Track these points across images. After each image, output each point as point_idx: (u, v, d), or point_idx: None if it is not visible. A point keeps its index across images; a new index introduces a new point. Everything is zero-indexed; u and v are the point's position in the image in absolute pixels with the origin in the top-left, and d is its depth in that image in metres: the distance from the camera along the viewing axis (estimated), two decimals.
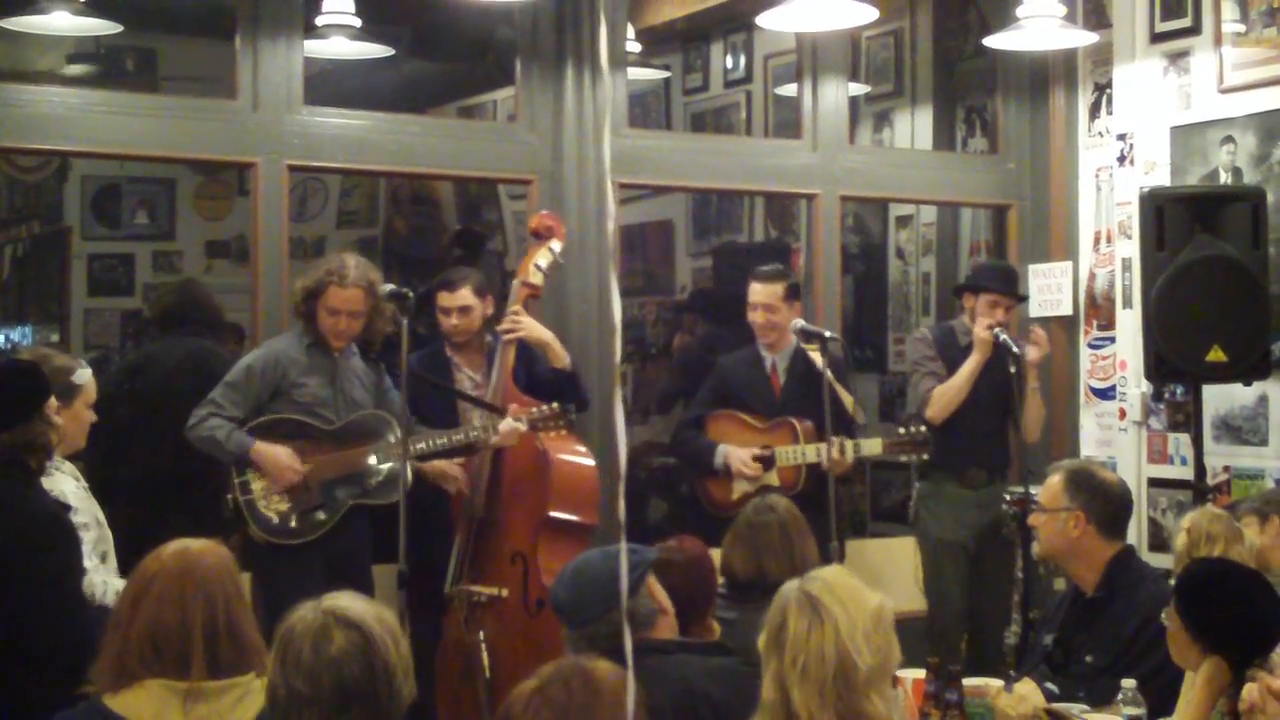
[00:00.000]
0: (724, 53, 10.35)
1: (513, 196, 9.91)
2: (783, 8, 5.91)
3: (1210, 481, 6.59)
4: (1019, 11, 6.61)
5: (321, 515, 5.70)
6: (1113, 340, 7.40)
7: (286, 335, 5.89)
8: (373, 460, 5.74)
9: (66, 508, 4.45)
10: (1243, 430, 6.80)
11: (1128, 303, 7.26)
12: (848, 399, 6.62)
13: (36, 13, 7.05)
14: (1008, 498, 6.64)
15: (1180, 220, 6.32)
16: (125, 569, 4.33)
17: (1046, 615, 4.98)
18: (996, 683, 4.30)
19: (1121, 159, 7.35)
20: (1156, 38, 7.16)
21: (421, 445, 5.71)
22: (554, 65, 6.76)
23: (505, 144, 6.87)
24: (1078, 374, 7.59)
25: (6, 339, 10.78)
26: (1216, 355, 6.24)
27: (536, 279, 6.14)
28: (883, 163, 8.08)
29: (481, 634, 5.85)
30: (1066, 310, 7.59)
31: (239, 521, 5.63)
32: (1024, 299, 7.16)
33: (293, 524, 5.66)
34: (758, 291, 6.64)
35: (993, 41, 6.99)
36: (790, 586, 3.17)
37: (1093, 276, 7.52)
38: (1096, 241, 7.52)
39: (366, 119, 6.61)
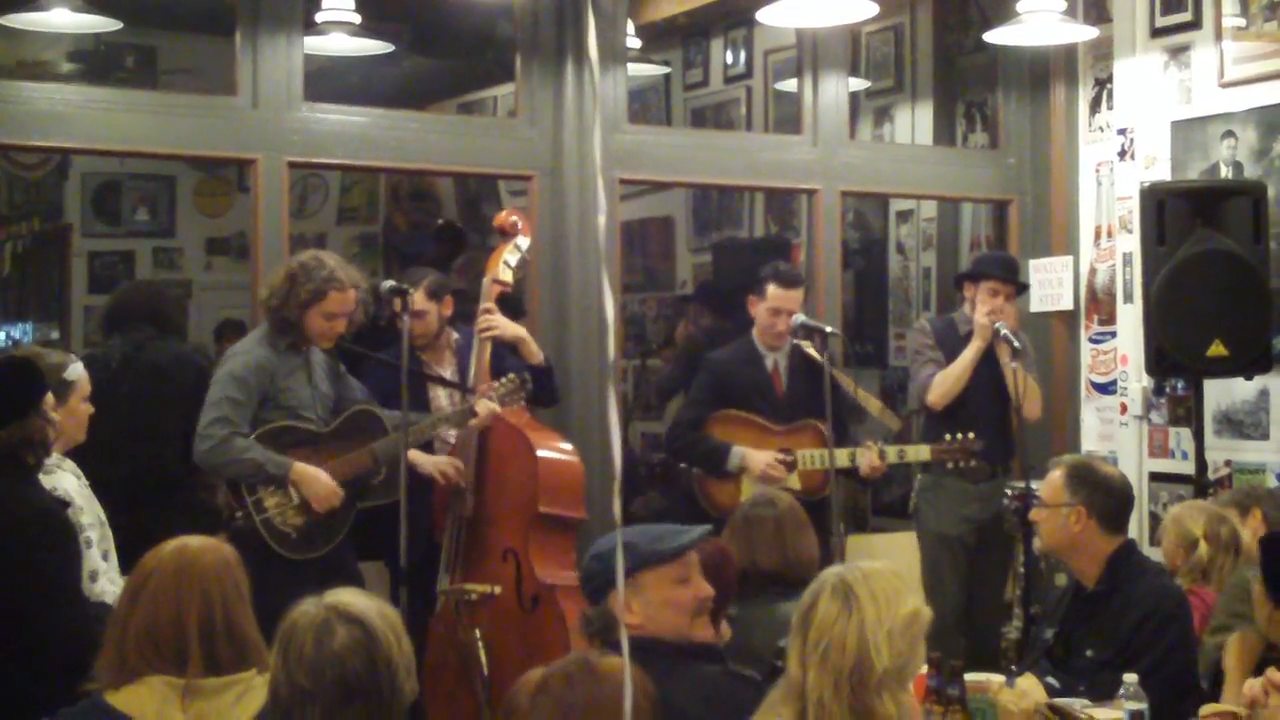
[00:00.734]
0: (724, 48, 10.35)
1: (513, 192, 9.90)
2: (783, 3, 5.92)
3: (1211, 476, 6.60)
4: (1019, 6, 6.61)
5: (333, 527, 5.67)
6: (1114, 335, 7.40)
7: (257, 339, 5.75)
8: (373, 460, 5.72)
9: (65, 504, 4.45)
10: (1244, 424, 6.80)
11: (1128, 297, 7.26)
12: (874, 404, 6.62)
13: (36, 9, 7.06)
14: (1009, 493, 6.66)
15: (1181, 215, 6.32)
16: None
17: (1048, 610, 4.98)
18: (998, 678, 4.30)
19: (1122, 153, 7.35)
20: (1157, 32, 7.16)
21: (413, 433, 5.70)
22: (554, 61, 6.76)
23: (505, 140, 6.87)
24: (1079, 369, 7.59)
25: (7, 336, 10.80)
26: (1217, 349, 6.24)
27: (506, 276, 6.16)
28: (883, 158, 8.08)
29: (478, 631, 5.85)
30: (1067, 305, 7.59)
31: (253, 538, 5.46)
32: (1025, 287, 7.14)
33: (311, 537, 5.61)
34: (782, 296, 6.50)
35: (993, 36, 6.99)
36: (832, 570, 3.20)
37: (1093, 271, 7.52)
38: (1097, 236, 7.52)
39: (367, 115, 6.62)
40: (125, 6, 7.81)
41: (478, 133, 7.18)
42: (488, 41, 9.25)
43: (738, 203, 10.45)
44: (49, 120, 6.02)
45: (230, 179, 10.56)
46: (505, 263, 6.15)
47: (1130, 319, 7.19)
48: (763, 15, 6.16)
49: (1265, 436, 6.73)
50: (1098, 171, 7.53)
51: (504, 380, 5.94)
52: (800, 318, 6.46)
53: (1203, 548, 5.16)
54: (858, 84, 8.85)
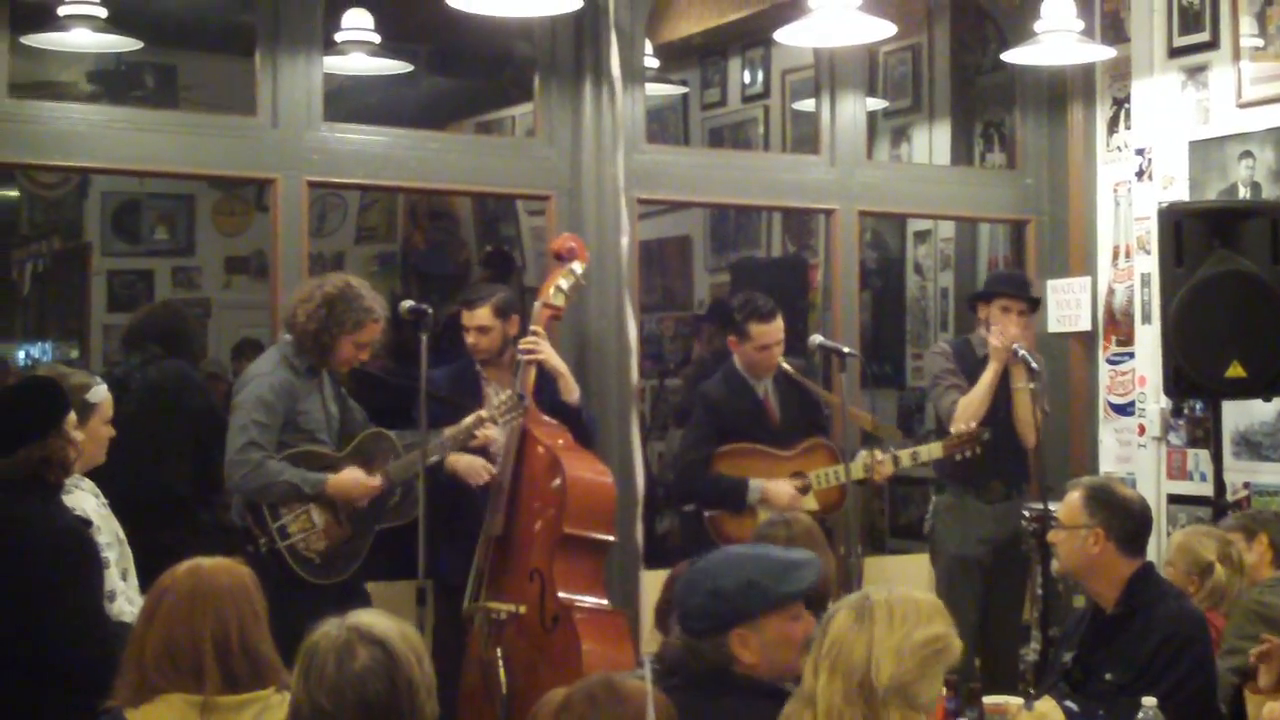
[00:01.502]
0: (742, 68, 10.37)
1: (530, 212, 9.92)
2: (801, 23, 5.93)
3: (1230, 498, 6.58)
4: (1037, 26, 6.61)
5: (356, 550, 5.70)
6: (1132, 356, 7.39)
7: (275, 360, 5.76)
8: (388, 482, 5.74)
9: (87, 523, 4.47)
10: (1262, 446, 6.78)
11: (1146, 318, 7.25)
12: (866, 419, 6.60)
13: (57, 29, 7.08)
14: (1026, 514, 6.64)
15: (1199, 235, 6.31)
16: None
17: (1066, 632, 4.96)
18: (1016, 701, 4.29)
19: (1140, 174, 7.34)
20: (1175, 52, 7.16)
21: (431, 451, 5.73)
22: (572, 81, 6.77)
23: (524, 160, 6.88)
24: (1097, 389, 7.58)
25: (27, 355, 10.82)
26: (1236, 371, 6.22)
27: (558, 300, 6.16)
28: (901, 178, 8.08)
29: (499, 651, 5.86)
30: (1085, 326, 7.58)
31: (276, 563, 5.51)
32: (1037, 303, 7.11)
33: (334, 562, 5.64)
34: (766, 332, 6.49)
35: (1011, 56, 7.00)
36: (864, 590, 3.23)
37: (1111, 292, 7.51)
38: (1115, 256, 7.51)
39: (386, 135, 6.63)
40: (146, 26, 7.83)
41: (496, 152, 7.19)
42: (506, 61, 9.28)
43: (755, 222, 10.45)
44: (69, 140, 6.04)
45: (249, 198, 10.58)
46: (558, 287, 6.15)
47: (1148, 340, 7.17)
48: (781, 35, 6.17)
49: None
50: (1115, 192, 7.53)
51: (503, 398, 5.94)
52: (819, 338, 6.45)
53: (1219, 571, 5.15)
54: (875, 104, 8.86)
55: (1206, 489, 6.68)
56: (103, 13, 6.97)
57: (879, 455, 6.43)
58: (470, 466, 6.03)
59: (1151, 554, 4.88)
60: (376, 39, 7.65)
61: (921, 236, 9.51)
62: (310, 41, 6.38)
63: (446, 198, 10.67)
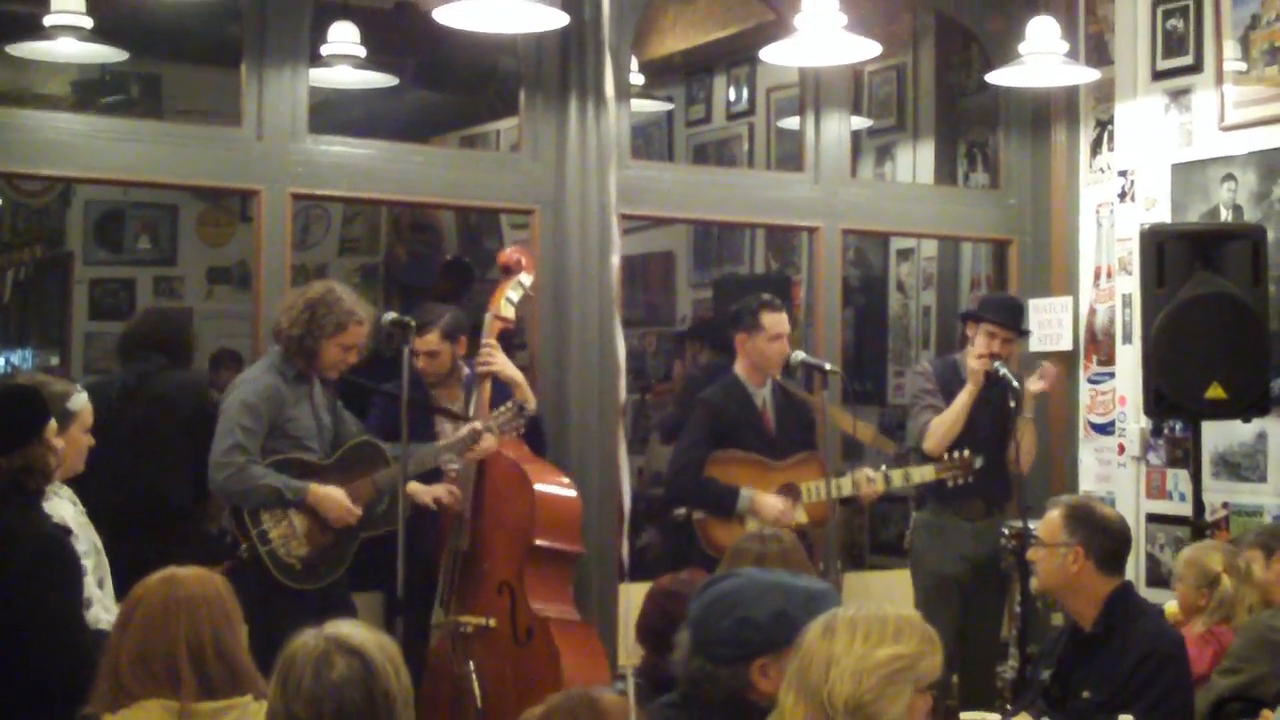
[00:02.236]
0: (727, 85, 10.39)
1: (514, 226, 9.93)
2: (786, 42, 5.95)
3: (1209, 518, 6.60)
4: (1021, 48, 6.64)
5: (337, 557, 5.70)
6: (1112, 376, 7.41)
7: (264, 367, 5.80)
8: (375, 490, 5.75)
9: (67, 531, 4.46)
10: (1241, 467, 6.81)
11: (1127, 338, 7.27)
12: (866, 432, 6.61)
13: (43, 39, 7.08)
14: (1006, 532, 6.65)
15: (1181, 257, 6.33)
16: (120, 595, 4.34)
17: (1044, 650, 4.97)
18: (994, 717, 4.30)
19: (1122, 195, 7.37)
20: (1158, 75, 7.19)
21: (414, 463, 5.72)
22: (558, 96, 6.78)
23: (508, 174, 6.89)
24: (1077, 409, 7.60)
25: (7, 362, 10.81)
26: (1216, 392, 6.25)
27: (508, 312, 6.19)
28: (884, 196, 8.11)
29: (472, 664, 5.85)
30: (1066, 345, 7.60)
31: (258, 569, 5.53)
32: (1025, 333, 7.13)
33: (315, 568, 5.64)
34: (779, 321, 6.52)
35: (995, 77, 7.02)
36: (836, 609, 3.21)
37: (1093, 312, 7.54)
38: (1097, 277, 7.54)
39: (370, 148, 6.63)
40: (131, 37, 7.83)
41: (480, 166, 7.20)
42: (491, 75, 9.29)
43: (739, 239, 10.47)
44: (53, 149, 6.03)
45: (233, 209, 10.57)
46: (508, 299, 6.18)
47: (1129, 360, 7.20)
48: (765, 53, 6.19)
49: (1263, 479, 6.73)
50: (1098, 213, 7.56)
51: (502, 409, 5.96)
52: (801, 355, 6.47)
53: (1225, 582, 5.18)
54: (860, 123, 8.88)
55: (1185, 509, 6.70)
56: (89, 23, 6.96)
57: (870, 474, 6.45)
58: (433, 493, 6.03)
59: (1130, 573, 4.90)
60: (362, 52, 7.65)
61: (904, 255, 9.53)
62: (296, 54, 6.38)
63: (430, 211, 10.68)
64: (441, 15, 5.44)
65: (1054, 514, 4.71)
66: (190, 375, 6.70)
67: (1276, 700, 4.53)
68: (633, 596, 4.31)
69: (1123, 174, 7.37)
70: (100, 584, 4.76)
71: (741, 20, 8.65)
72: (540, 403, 6.45)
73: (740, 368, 6.61)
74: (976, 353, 6.63)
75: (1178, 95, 7.11)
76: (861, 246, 9.66)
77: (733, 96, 10.36)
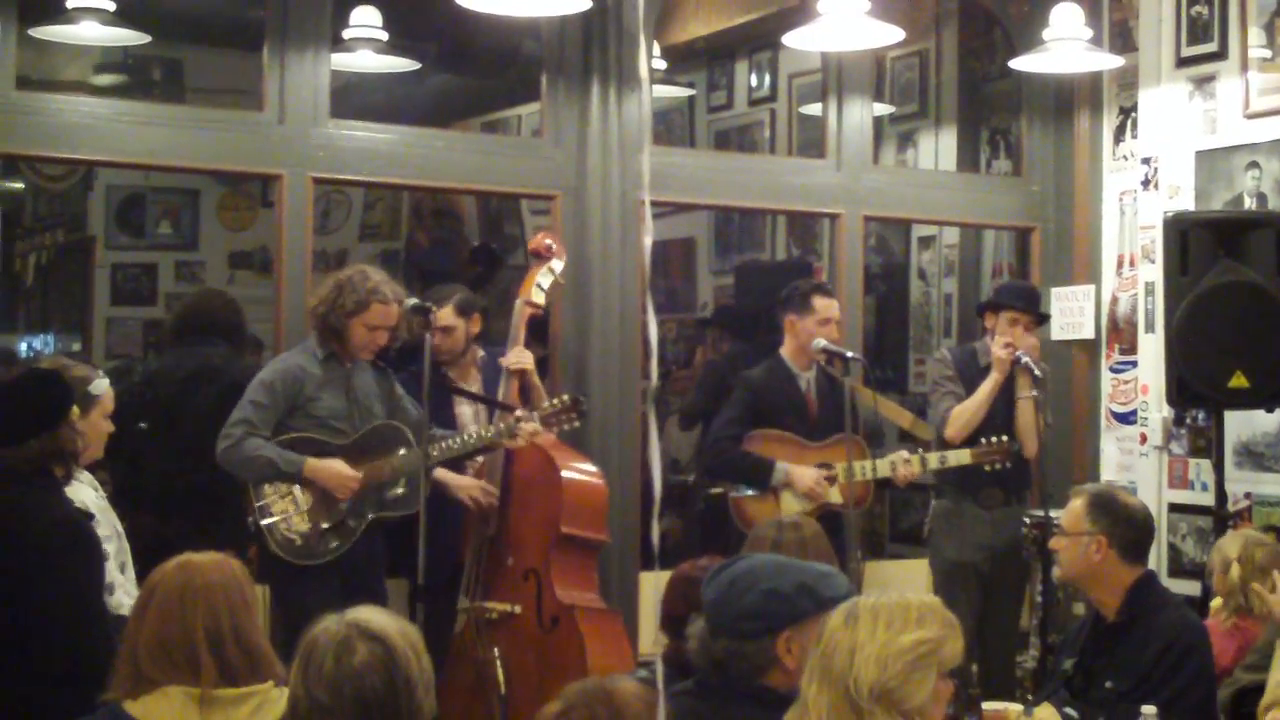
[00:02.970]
0: (749, 71, 10.36)
1: (535, 212, 9.92)
2: (808, 27, 5.93)
3: (1231, 508, 6.57)
4: (1045, 34, 6.61)
5: (341, 534, 5.68)
6: (1134, 364, 7.39)
7: (299, 349, 5.87)
8: (392, 472, 5.75)
9: (90, 516, 4.46)
10: (1264, 457, 6.78)
11: (1150, 327, 7.24)
12: (905, 417, 6.60)
13: (65, 22, 7.08)
14: (1027, 521, 6.64)
15: (1204, 245, 6.30)
16: (142, 580, 4.34)
17: (1066, 640, 4.96)
18: (1016, 707, 4.29)
19: (1146, 183, 7.33)
20: (1182, 62, 7.15)
21: (439, 450, 5.73)
22: (580, 81, 6.77)
23: (530, 159, 6.88)
24: (1099, 398, 7.57)
25: (29, 347, 10.82)
26: (1239, 381, 6.22)
27: (539, 298, 6.19)
28: (906, 183, 8.08)
29: (496, 650, 5.86)
30: (1089, 334, 7.57)
31: (260, 541, 5.59)
32: (1045, 318, 7.12)
33: (315, 545, 5.63)
34: (829, 305, 6.56)
35: (1018, 64, 7.00)
36: (858, 596, 3.25)
37: (1115, 300, 7.51)
38: (1119, 265, 7.51)
39: (392, 133, 6.63)
40: (154, 20, 7.83)
41: (502, 152, 7.19)
42: (513, 60, 9.27)
43: (760, 225, 10.45)
44: (75, 132, 6.04)
45: (254, 194, 10.58)
46: (538, 285, 6.18)
47: (1152, 349, 7.17)
48: (788, 39, 6.17)
49: None
50: (1121, 200, 7.52)
51: (555, 400, 5.94)
52: (822, 342, 6.47)
53: (1235, 570, 5.17)
54: (882, 109, 8.86)
55: (1208, 498, 6.67)
56: (111, 6, 6.97)
57: (906, 456, 6.46)
58: (469, 490, 6.04)
59: (1152, 563, 4.89)
60: (384, 36, 7.65)
61: (926, 242, 9.51)
62: (318, 38, 6.38)
63: (451, 196, 10.67)
64: None
65: (1077, 503, 4.70)
66: (253, 361, 6.72)
67: None
68: (660, 583, 4.31)
69: (1146, 161, 7.33)
70: (122, 569, 4.77)
71: (763, 5, 8.62)
72: (560, 391, 6.45)
73: (787, 350, 6.62)
74: (1002, 341, 6.61)
75: (1202, 82, 7.07)
76: (883, 233, 9.64)
77: (754, 82, 10.33)
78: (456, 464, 6.10)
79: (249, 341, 7.08)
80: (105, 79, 9.63)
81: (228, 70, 9.26)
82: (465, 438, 5.86)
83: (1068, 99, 7.74)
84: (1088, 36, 6.61)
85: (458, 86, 10.15)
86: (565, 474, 5.95)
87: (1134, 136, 7.44)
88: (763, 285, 9.03)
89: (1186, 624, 4.60)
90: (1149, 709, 3.98)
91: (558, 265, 6.24)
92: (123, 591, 4.65)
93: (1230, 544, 5.32)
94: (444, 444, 5.76)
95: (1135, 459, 7.34)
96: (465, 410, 6.27)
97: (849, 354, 6.39)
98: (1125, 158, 7.52)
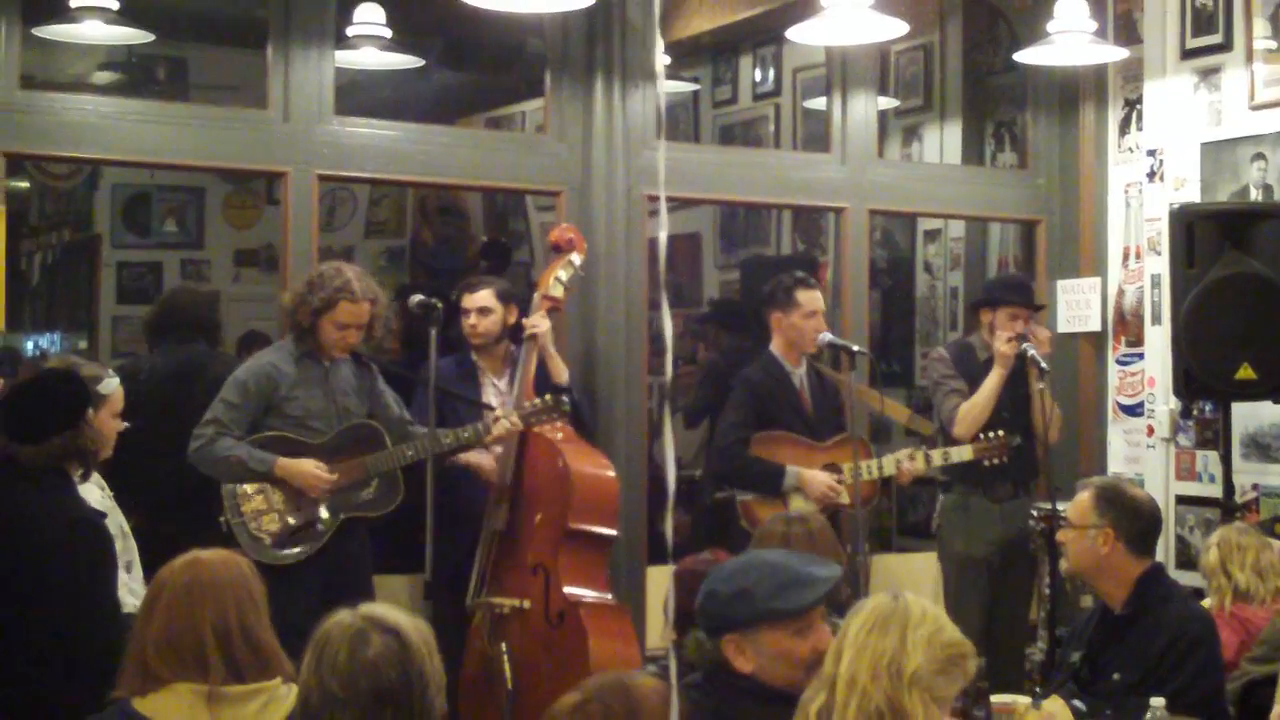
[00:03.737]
0: (753, 66, 10.35)
1: (540, 208, 9.93)
2: (812, 21, 5.92)
3: (1238, 499, 6.57)
4: (1049, 27, 6.60)
5: (310, 537, 5.66)
6: (1141, 357, 7.38)
7: (275, 348, 5.86)
8: (365, 473, 5.74)
9: (102, 515, 4.47)
10: (1271, 448, 6.77)
11: (1157, 319, 7.24)
12: (901, 412, 6.61)
13: (69, 21, 7.07)
14: (1035, 513, 6.64)
15: (1210, 237, 6.29)
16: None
17: (1074, 632, 4.96)
18: (1024, 700, 4.29)
19: (1151, 175, 7.33)
20: (1187, 54, 7.15)
21: (412, 453, 5.73)
22: (584, 77, 6.77)
23: (534, 155, 6.88)
24: (1106, 390, 7.57)
25: (36, 345, 10.82)
26: (1246, 373, 6.21)
27: (557, 292, 6.18)
28: (911, 177, 8.07)
29: (504, 645, 5.86)
30: (1095, 326, 7.57)
31: (232, 540, 5.53)
32: (1041, 308, 7.12)
33: (286, 545, 5.62)
34: (814, 298, 6.55)
35: (1023, 56, 6.99)
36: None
37: (1121, 293, 7.50)
38: (1125, 257, 7.50)
39: (396, 129, 6.64)
40: (158, 19, 7.83)
41: (507, 148, 7.20)
42: (517, 57, 9.27)
43: (765, 220, 10.44)
44: (80, 131, 6.05)
45: (260, 191, 10.59)
46: (557, 278, 6.18)
47: (1158, 341, 7.17)
48: (792, 33, 6.16)
49: None
50: (1126, 193, 7.52)
51: (539, 400, 5.93)
52: (828, 336, 6.47)
53: (1213, 553, 5.20)
54: (887, 103, 8.85)
55: (1215, 490, 6.67)
56: (115, 4, 6.95)
57: (910, 453, 6.46)
58: (493, 468, 6.05)
59: (1160, 555, 4.89)
60: (388, 33, 7.64)
61: (931, 236, 9.50)
62: (322, 35, 6.39)
63: (456, 193, 10.67)
64: None
65: (1084, 495, 4.70)
66: (227, 355, 6.72)
67: None
68: (659, 579, 4.33)
69: (1151, 153, 7.33)
70: (128, 567, 4.78)
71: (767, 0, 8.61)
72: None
73: (776, 346, 6.61)
74: (1005, 336, 6.61)
75: (1207, 74, 7.07)
76: (888, 227, 9.63)
77: (759, 77, 10.32)
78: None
79: (219, 337, 7.01)
80: (109, 78, 9.64)
81: (232, 68, 9.26)
82: (440, 441, 5.78)
83: (1073, 92, 7.73)
84: (1092, 29, 6.60)
85: (462, 83, 10.16)
86: (575, 468, 5.95)
87: (1139, 129, 7.44)
88: (768, 280, 9.01)
89: (1194, 616, 4.60)
90: (1157, 701, 3.98)
91: (578, 259, 6.24)
92: (127, 590, 4.65)
93: (1211, 535, 5.38)
94: (420, 444, 5.73)
95: (1142, 451, 7.33)
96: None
97: (855, 348, 6.39)
98: (1130, 150, 7.51)
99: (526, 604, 5.87)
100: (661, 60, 3.51)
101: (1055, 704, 4.28)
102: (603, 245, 6.66)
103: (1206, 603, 5.24)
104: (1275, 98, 6.77)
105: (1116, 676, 4.50)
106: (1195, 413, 7.08)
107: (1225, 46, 6.98)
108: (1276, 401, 6.47)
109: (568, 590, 5.86)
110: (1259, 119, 6.84)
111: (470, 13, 5.64)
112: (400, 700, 2.89)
